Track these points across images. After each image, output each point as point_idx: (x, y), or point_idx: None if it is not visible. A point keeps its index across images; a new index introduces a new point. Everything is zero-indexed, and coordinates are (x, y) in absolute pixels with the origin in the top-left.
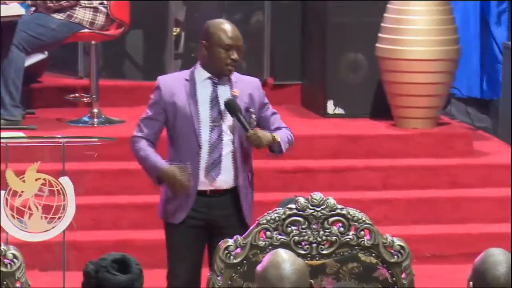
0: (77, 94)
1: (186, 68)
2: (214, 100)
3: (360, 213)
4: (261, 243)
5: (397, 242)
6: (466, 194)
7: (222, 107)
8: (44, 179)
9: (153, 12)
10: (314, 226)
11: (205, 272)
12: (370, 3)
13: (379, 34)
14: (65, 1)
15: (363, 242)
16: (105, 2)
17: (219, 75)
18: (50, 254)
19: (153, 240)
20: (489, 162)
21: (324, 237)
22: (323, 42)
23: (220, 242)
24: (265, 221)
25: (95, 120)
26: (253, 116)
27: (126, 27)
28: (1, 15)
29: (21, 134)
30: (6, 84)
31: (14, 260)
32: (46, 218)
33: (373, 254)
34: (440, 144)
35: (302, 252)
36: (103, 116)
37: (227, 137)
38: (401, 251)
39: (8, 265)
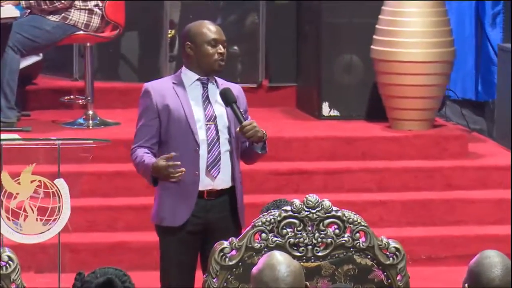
0: (72, 96)
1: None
2: (206, 100)
3: (355, 215)
4: (257, 245)
5: (393, 244)
6: (461, 196)
7: (215, 106)
8: (39, 181)
9: (148, 14)
10: (310, 228)
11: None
12: (365, 4)
13: (374, 36)
14: (59, 3)
15: (358, 244)
16: (100, 4)
17: (209, 74)
18: (45, 256)
19: (148, 242)
20: (484, 164)
21: (319, 239)
22: (318, 44)
23: (216, 244)
24: (260, 223)
25: (90, 122)
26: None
27: (121, 29)
28: None
29: (16, 136)
30: (1, 86)
31: (10, 262)
32: (41, 220)
33: (369, 256)
34: (435, 146)
35: (298, 254)
36: (98, 118)
37: (224, 136)
38: (397, 253)
39: (4, 267)
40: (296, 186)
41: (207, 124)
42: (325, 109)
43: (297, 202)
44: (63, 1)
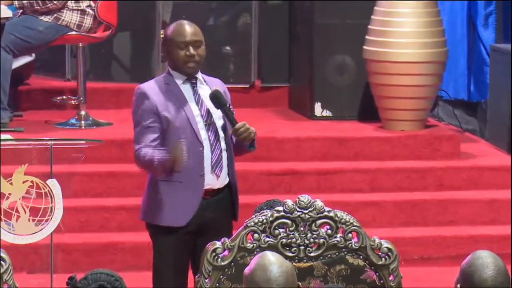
0: (64, 97)
1: None
2: (199, 99)
3: (347, 215)
4: (249, 246)
5: (385, 244)
6: (453, 196)
7: (209, 105)
8: (32, 182)
9: (141, 14)
10: (302, 229)
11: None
12: (358, 5)
13: (367, 37)
14: (51, 4)
15: (350, 244)
16: (93, 5)
17: (187, 76)
18: (37, 256)
19: (141, 243)
20: (476, 164)
21: (311, 240)
22: (311, 44)
23: (208, 244)
24: (252, 224)
25: (83, 122)
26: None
27: (114, 30)
28: None
29: (8, 136)
30: None
31: (2, 262)
32: (33, 220)
33: (361, 257)
34: (427, 146)
35: (290, 254)
36: (90, 118)
37: (221, 135)
38: (389, 253)
39: None
40: (288, 187)
41: (205, 124)
42: (318, 109)
43: (289, 202)
44: (55, 2)
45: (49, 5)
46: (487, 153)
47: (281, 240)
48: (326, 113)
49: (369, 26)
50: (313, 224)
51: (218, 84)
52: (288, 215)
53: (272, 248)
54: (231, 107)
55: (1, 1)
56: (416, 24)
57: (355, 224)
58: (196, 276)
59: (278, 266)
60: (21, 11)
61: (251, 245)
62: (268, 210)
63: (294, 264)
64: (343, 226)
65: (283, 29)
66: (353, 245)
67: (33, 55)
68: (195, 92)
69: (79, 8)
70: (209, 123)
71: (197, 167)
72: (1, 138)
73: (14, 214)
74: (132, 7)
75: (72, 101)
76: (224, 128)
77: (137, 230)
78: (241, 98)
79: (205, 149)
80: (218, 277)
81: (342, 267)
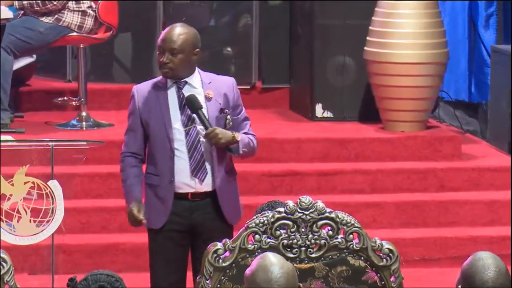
0: (65, 98)
1: None
2: (182, 104)
3: (348, 216)
4: (250, 247)
5: (386, 245)
6: (454, 197)
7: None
8: (33, 183)
9: (142, 15)
10: (303, 230)
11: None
12: (358, 6)
13: (367, 37)
14: (51, 5)
15: (351, 245)
16: (93, 6)
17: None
18: (39, 257)
19: (142, 244)
20: (477, 165)
21: (312, 241)
22: (312, 45)
23: (209, 245)
24: (254, 225)
25: (84, 123)
26: (228, 117)
27: (115, 31)
28: None
29: (9, 137)
30: None
31: (3, 263)
32: (34, 221)
33: (362, 258)
34: (428, 147)
35: (291, 255)
36: (91, 120)
37: (202, 139)
38: (390, 254)
39: None
40: (289, 188)
41: (186, 129)
42: (318, 110)
43: (290, 203)
44: (55, 3)
45: (48, 5)
46: (488, 154)
47: (282, 241)
48: (327, 114)
49: (370, 27)
50: (314, 225)
51: (229, 84)
52: (289, 216)
53: (273, 249)
54: (228, 116)
55: (2, 2)
56: (417, 25)
57: (356, 225)
58: (197, 277)
59: (279, 267)
60: (22, 12)
61: (252, 246)
62: (269, 211)
63: (295, 265)
64: (344, 227)
65: (284, 30)
66: (354, 246)
67: (34, 56)
68: (179, 96)
69: (80, 9)
70: (190, 128)
71: (166, 173)
72: (2, 139)
73: (15, 215)
74: (133, 8)
75: (73, 102)
76: None
77: (138, 231)
78: (242, 99)
79: (182, 154)
80: (219, 278)
81: (343, 268)
